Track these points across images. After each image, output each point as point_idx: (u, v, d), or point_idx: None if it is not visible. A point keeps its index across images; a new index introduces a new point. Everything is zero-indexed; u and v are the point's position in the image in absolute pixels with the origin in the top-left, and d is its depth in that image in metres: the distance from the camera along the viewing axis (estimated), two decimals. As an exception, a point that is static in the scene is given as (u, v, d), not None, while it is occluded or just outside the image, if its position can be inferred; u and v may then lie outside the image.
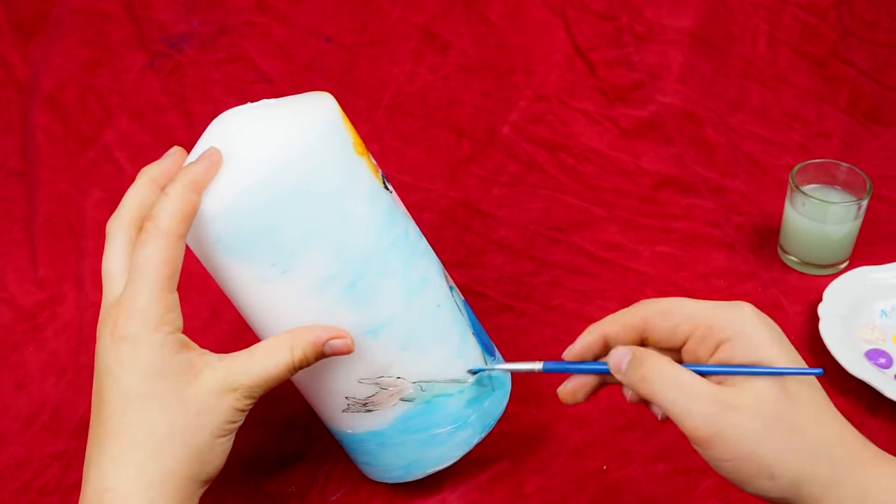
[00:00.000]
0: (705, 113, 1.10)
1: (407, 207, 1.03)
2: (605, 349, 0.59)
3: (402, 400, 0.65)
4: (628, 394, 0.58)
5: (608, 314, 0.88)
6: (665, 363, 0.54)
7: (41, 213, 0.96)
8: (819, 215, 0.90)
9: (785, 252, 0.95)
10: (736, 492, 0.72)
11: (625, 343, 0.57)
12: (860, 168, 0.93)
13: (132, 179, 0.98)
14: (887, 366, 0.82)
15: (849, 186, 0.93)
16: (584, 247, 0.97)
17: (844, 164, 0.93)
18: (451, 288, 0.69)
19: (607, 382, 0.60)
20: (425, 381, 0.66)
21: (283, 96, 1.00)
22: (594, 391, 0.61)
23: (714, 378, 0.54)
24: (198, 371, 0.57)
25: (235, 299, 0.63)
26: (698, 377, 0.53)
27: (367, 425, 0.67)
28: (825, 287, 0.88)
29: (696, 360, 0.56)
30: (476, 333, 0.70)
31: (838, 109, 1.14)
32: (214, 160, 0.58)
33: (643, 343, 0.58)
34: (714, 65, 1.13)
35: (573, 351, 0.60)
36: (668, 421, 0.55)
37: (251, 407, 0.59)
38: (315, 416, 0.72)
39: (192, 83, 1.03)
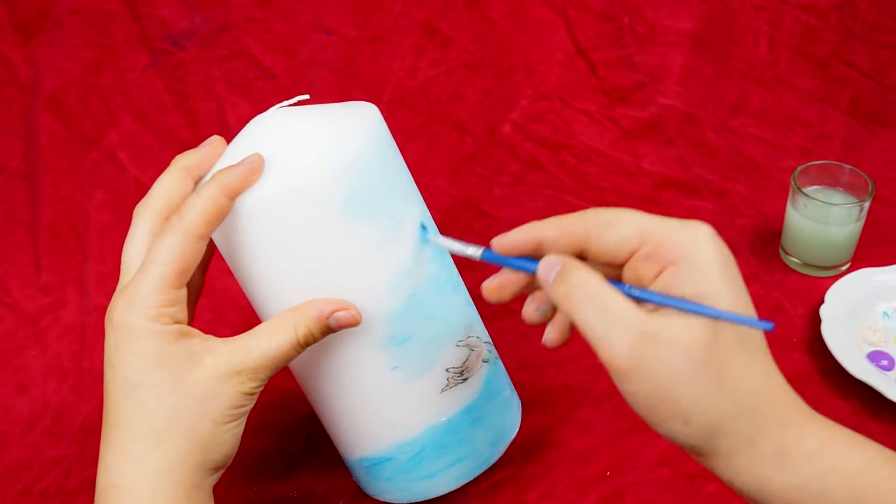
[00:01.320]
0: (706, 116, 1.10)
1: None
2: (539, 252, 0.53)
3: (483, 362, 0.68)
4: (529, 311, 0.55)
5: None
6: (593, 280, 0.49)
7: (44, 216, 0.96)
8: (821, 217, 0.90)
9: (787, 254, 0.95)
10: (738, 498, 0.72)
11: (562, 252, 0.52)
12: (862, 170, 0.93)
13: (136, 181, 0.99)
14: (889, 367, 0.82)
15: (851, 188, 0.93)
16: (587, 248, 0.97)
17: (846, 166, 0.94)
18: None
19: (536, 288, 0.55)
20: (488, 342, 0.69)
21: (285, 91, 0.99)
22: (521, 292, 0.56)
23: (648, 305, 0.49)
24: (199, 357, 0.56)
25: (343, 269, 0.60)
26: (628, 302, 0.48)
27: (462, 400, 0.66)
28: (827, 289, 0.89)
29: (637, 281, 0.50)
30: None
31: (840, 111, 1.14)
32: (255, 166, 0.57)
33: (582, 256, 0.52)
34: (715, 67, 1.13)
35: (502, 241, 0.53)
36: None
37: (259, 391, 0.58)
38: (318, 423, 0.72)
39: (195, 81, 1.03)
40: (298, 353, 0.58)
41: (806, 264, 0.93)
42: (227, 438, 0.57)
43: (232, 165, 0.57)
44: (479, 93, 1.10)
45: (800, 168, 0.93)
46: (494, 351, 0.70)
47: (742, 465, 0.48)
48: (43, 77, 0.99)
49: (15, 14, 0.99)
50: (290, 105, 0.62)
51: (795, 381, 0.80)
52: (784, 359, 0.82)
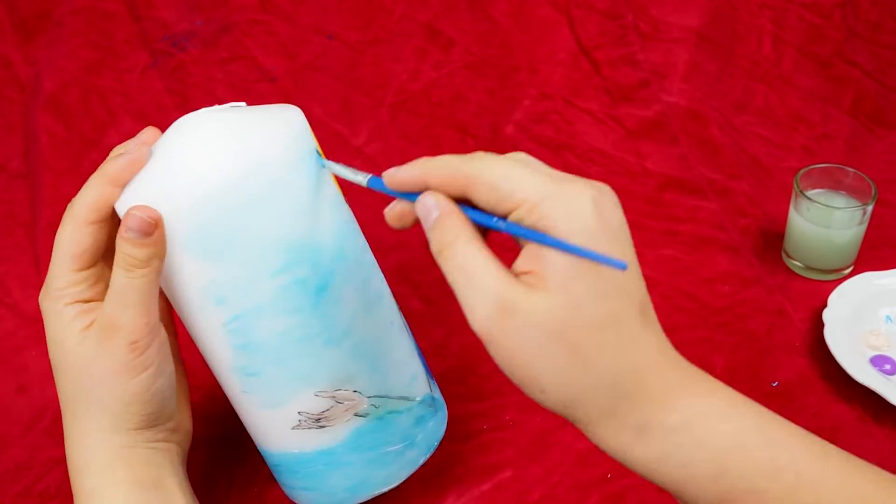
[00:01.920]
0: (711, 113, 1.10)
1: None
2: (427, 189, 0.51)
3: (355, 415, 0.65)
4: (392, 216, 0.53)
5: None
6: (463, 239, 0.48)
7: (44, 216, 0.96)
8: (824, 220, 0.90)
9: (789, 257, 0.94)
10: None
11: (446, 192, 0.50)
12: (865, 171, 0.92)
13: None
14: (892, 372, 0.82)
15: (854, 191, 0.93)
16: (589, 249, 0.97)
17: (849, 169, 0.93)
18: (397, 308, 0.69)
19: None
20: (379, 397, 0.65)
21: (286, 95, 0.98)
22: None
23: (519, 264, 0.47)
24: (85, 331, 0.60)
25: (193, 304, 0.60)
26: (493, 264, 0.47)
27: (317, 443, 0.65)
28: (830, 292, 0.88)
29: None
30: (418, 354, 0.71)
31: (843, 111, 1.13)
32: (136, 158, 0.59)
33: (465, 199, 0.50)
34: (719, 64, 1.13)
35: (392, 177, 0.51)
36: None
37: (139, 340, 0.59)
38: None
39: (196, 82, 1.03)
40: (142, 280, 0.58)
41: (808, 268, 0.93)
42: (130, 396, 0.60)
43: (115, 157, 0.60)
44: (481, 94, 1.09)
45: (802, 171, 0.92)
46: (402, 406, 0.67)
47: (602, 435, 0.48)
48: (43, 77, 0.99)
49: (15, 14, 0.99)
50: (225, 108, 0.62)
51: (798, 385, 0.81)
52: (786, 363, 0.83)
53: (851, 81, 1.14)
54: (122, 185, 0.60)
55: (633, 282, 0.48)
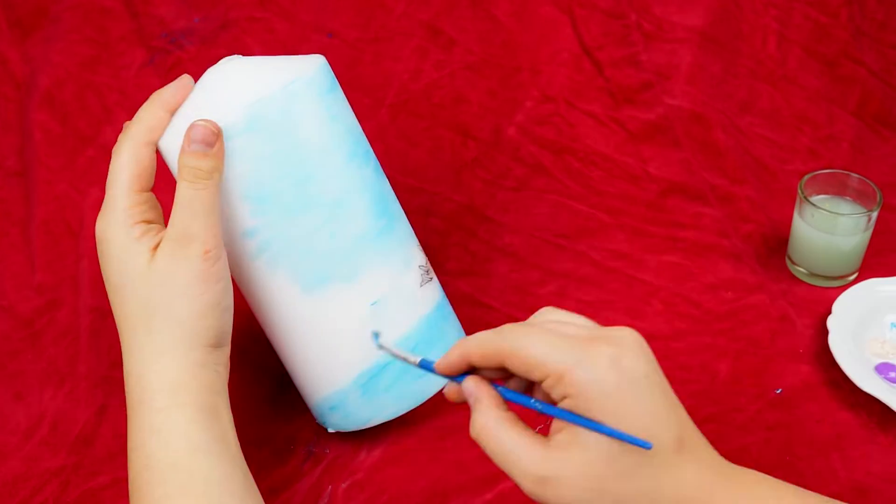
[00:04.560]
0: (714, 115, 1.09)
1: (412, 211, 1.01)
2: (472, 367, 0.56)
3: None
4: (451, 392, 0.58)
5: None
6: (493, 422, 0.54)
7: (39, 214, 0.95)
8: (828, 227, 0.89)
9: (793, 263, 0.94)
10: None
11: (487, 367, 0.55)
12: (870, 175, 0.92)
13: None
14: (897, 380, 0.82)
15: (859, 196, 0.92)
16: (591, 255, 0.96)
17: (854, 175, 0.92)
18: None
19: None
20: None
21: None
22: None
23: (556, 424, 0.53)
24: (158, 249, 0.62)
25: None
26: (527, 442, 0.52)
27: (433, 297, 0.74)
28: (834, 299, 0.88)
29: (548, 400, 0.54)
30: None
31: (848, 112, 1.12)
32: (183, 84, 0.67)
33: (505, 369, 0.55)
34: (724, 64, 1.12)
35: (440, 365, 0.57)
36: None
37: (215, 253, 0.62)
38: (318, 433, 0.71)
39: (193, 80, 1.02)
40: (206, 192, 0.62)
41: (813, 274, 0.92)
42: (206, 307, 0.62)
43: (164, 87, 0.66)
44: (483, 95, 1.08)
45: (807, 176, 0.92)
46: None
47: None
48: (38, 74, 0.98)
49: (11, 11, 0.98)
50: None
51: (801, 392, 0.81)
52: (790, 370, 0.83)
53: (857, 81, 1.13)
54: (173, 110, 0.65)
55: (667, 419, 0.51)
